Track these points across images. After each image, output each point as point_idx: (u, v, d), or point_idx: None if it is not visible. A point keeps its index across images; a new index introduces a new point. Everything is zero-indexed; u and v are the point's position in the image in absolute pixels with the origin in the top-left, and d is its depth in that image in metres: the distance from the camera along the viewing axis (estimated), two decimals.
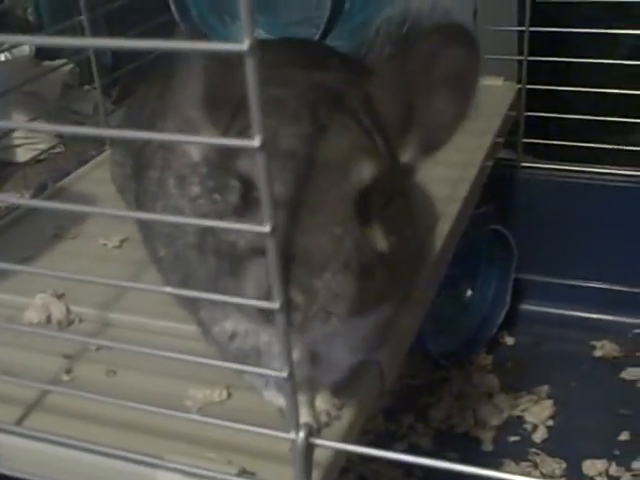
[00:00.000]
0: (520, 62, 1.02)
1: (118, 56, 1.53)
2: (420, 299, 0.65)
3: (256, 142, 0.33)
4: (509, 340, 1.08)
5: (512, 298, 1.07)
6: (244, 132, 0.45)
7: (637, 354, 1.04)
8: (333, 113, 0.47)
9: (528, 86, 1.02)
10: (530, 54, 1.02)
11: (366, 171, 0.46)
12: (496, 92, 0.98)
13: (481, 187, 0.87)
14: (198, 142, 0.45)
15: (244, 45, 0.31)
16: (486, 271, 1.04)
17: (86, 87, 1.52)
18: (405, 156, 0.51)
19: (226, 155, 0.48)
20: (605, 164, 1.06)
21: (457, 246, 0.82)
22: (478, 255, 1.03)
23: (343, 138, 0.46)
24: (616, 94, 1.01)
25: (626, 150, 1.04)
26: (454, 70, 0.49)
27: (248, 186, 0.45)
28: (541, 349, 1.07)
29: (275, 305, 0.38)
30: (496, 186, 1.02)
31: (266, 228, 0.36)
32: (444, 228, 0.72)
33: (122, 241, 0.74)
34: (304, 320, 0.41)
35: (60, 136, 1.41)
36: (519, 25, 1.04)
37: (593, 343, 1.06)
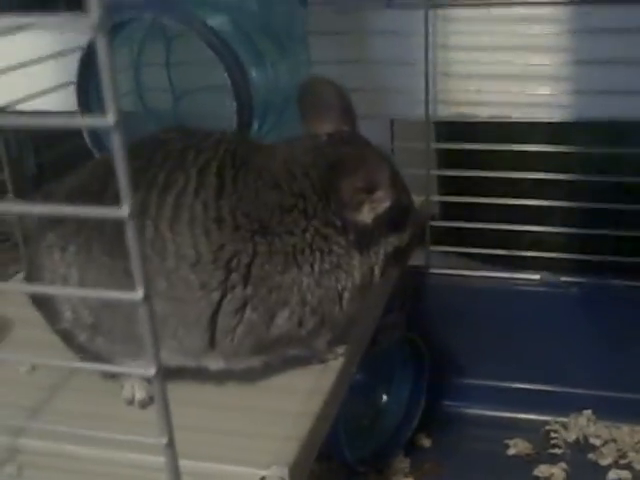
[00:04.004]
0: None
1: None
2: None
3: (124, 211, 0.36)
4: (426, 442, 1.10)
5: (428, 400, 1.10)
6: None
7: (548, 451, 1.08)
8: None
9: (435, 197, 1.09)
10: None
11: None
12: None
13: (388, 296, 0.91)
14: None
15: (110, 120, 0.35)
16: (400, 376, 1.07)
17: None
18: None
19: None
20: (516, 268, 1.13)
21: (368, 355, 0.86)
22: (391, 361, 1.06)
23: None
24: (523, 204, 1.09)
25: (532, 256, 1.12)
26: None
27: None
28: (457, 449, 1.10)
29: (151, 372, 0.40)
30: (406, 293, 1.07)
31: (139, 294, 0.39)
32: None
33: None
34: None
35: None
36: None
37: (507, 442, 1.09)
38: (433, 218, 1.13)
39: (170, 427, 0.42)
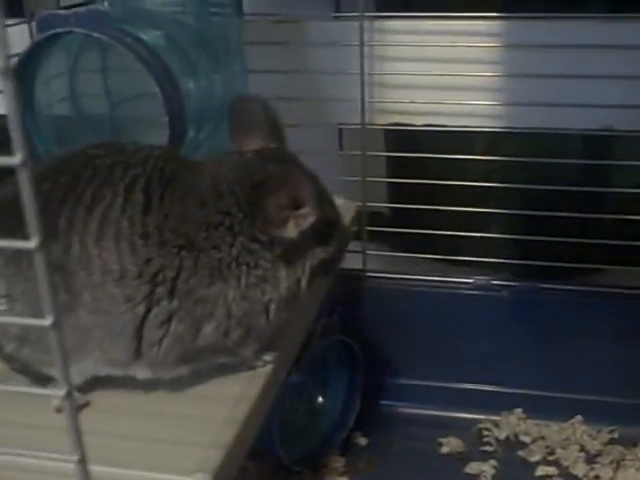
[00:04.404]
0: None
1: None
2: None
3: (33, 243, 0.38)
4: (362, 441, 1.13)
5: (364, 400, 1.13)
6: None
7: (479, 449, 1.12)
8: None
9: (369, 204, 1.12)
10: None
11: None
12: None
13: (322, 300, 0.93)
14: None
15: (17, 159, 0.36)
16: (335, 378, 1.10)
17: None
18: None
19: None
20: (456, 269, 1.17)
21: (302, 358, 0.89)
22: (326, 364, 1.09)
23: None
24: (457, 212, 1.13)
25: (463, 260, 1.16)
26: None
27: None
28: (392, 448, 1.13)
29: (61, 392, 0.42)
30: (343, 296, 1.10)
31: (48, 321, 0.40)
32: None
33: None
34: None
35: None
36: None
37: (440, 440, 1.13)
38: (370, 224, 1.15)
39: (81, 444, 0.44)
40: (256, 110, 0.73)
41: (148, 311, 0.66)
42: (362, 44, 1.04)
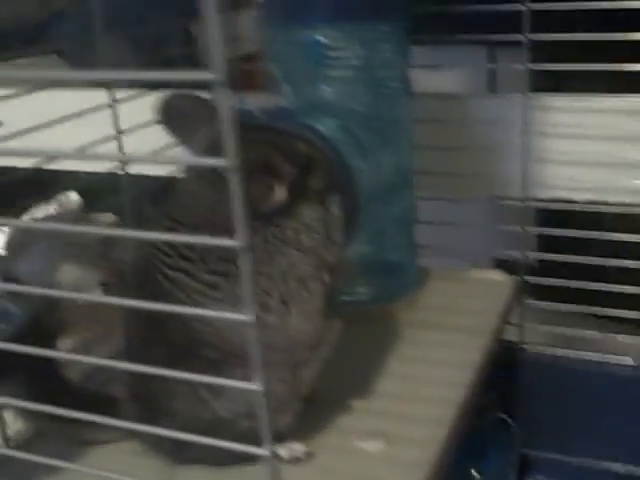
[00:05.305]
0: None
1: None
2: None
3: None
4: None
5: (521, 475, 1.12)
6: None
7: None
8: None
9: (527, 278, 1.12)
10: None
11: None
12: (495, 285, 1.07)
13: (483, 378, 0.93)
14: None
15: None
16: (492, 453, 1.11)
17: None
18: None
19: None
20: None
21: (463, 434, 0.89)
22: (483, 439, 1.10)
23: None
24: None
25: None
26: None
27: None
28: None
29: (266, 452, 0.46)
30: (500, 368, 1.10)
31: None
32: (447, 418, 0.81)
33: None
34: None
35: None
36: None
37: None
38: None
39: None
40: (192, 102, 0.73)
41: None
42: (525, 122, 1.07)
